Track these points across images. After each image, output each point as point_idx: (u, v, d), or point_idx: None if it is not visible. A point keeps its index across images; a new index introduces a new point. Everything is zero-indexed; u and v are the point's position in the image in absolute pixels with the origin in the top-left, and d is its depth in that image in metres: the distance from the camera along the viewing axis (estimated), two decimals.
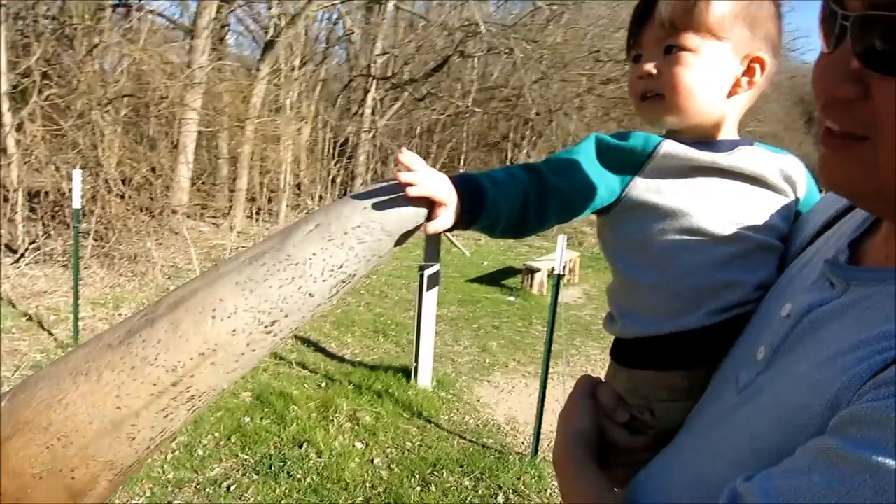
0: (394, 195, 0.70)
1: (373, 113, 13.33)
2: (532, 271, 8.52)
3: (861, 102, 0.52)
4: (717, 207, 0.83)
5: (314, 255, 0.59)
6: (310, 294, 0.59)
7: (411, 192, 0.71)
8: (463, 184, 0.80)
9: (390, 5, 13.08)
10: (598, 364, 6.05)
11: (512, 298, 8.17)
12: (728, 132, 0.88)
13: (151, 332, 0.54)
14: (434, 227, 0.75)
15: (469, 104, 14.43)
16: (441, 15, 14.65)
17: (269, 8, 11.27)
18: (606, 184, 0.87)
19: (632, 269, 0.89)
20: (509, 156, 16.88)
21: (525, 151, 17.33)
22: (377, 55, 13.21)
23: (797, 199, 0.89)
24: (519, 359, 6.00)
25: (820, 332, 0.60)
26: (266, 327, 0.57)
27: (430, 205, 0.75)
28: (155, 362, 0.53)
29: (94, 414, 0.53)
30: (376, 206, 0.69)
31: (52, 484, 0.52)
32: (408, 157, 0.73)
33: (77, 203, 4.80)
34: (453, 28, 13.56)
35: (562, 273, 4.09)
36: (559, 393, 5.00)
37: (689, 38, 0.82)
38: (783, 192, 0.87)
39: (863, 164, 0.53)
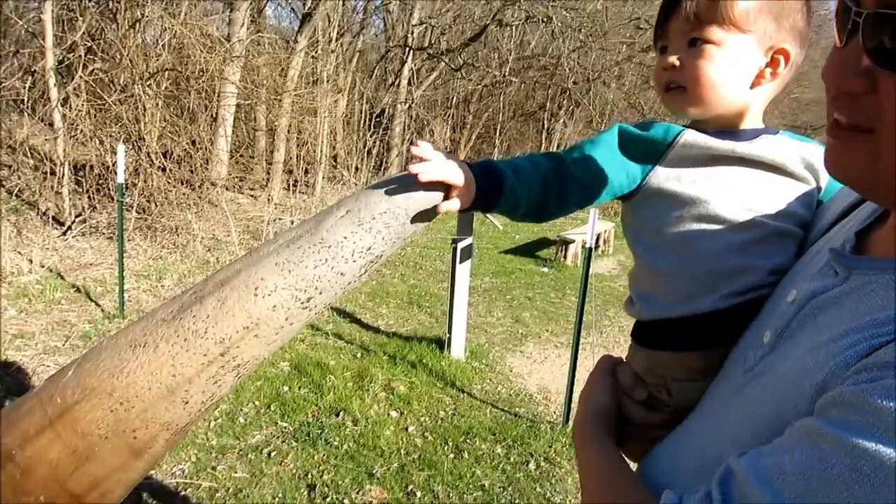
0: (416, 183, 0.75)
1: (409, 84, 13.29)
2: (566, 242, 8.50)
3: (868, 96, 0.54)
4: (735, 195, 0.86)
5: (345, 238, 0.64)
6: (341, 273, 0.64)
7: (422, 177, 0.75)
8: (480, 169, 0.85)
9: None
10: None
11: (546, 270, 8.17)
12: (752, 122, 0.90)
13: (201, 308, 0.60)
14: (445, 206, 0.80)
15: (506, 74, 14.28)
16: None
17: None
18: (627, 172, 0.90)
19: (650, 254, 0.93)
20: (546, 125, 16.68)
21: (562, 121, 17.11)
22: (414, 25, 13.12)
23: (819, 188, 0.90)
24: (552, 329, 6.03)
25: (819, 318, 0.62)
26: (303, 303, 0.63)
27: (447, 188, 0.79)
28: (205, 335, 0.59)
29: (152, 381, 0.59)
30: (401, 193, 0.74)
31: (116, 443, 0.58)
32: (420, 148, 0.78)
33: (121, 178, 4.94)
34: None
35: (593, 245, 4.08)
36: (591, 363, 5.02)
37: (714, 31, 0.84)
38: (804, 180, 0.89)
39: (866, 155, 0.55)
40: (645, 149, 0.90)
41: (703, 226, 0.86)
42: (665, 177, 0.89)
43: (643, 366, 0.96)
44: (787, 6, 0.84)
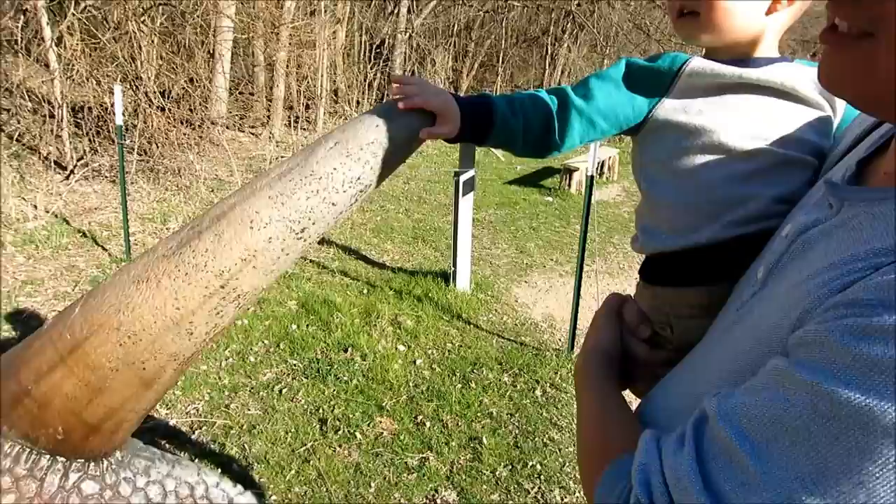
0: (403, 112, 0.77)
1: (409, 12, 12.92)
2: (570, 171, 8.44)
3: None
4: (742, 123, 0.84)
5: (335, 169, 0.67)
6: (333, 203, 0.67)
7: (401, 104, 0.77)
8: (469, 100, 0.86)
9: None
10: (636, 260, 6.08)
11: (550, 199, 8.15)
12: (766, 50, 0.87)
13: (199, 242, 0.62)
14: (426, 132, 0.80)
15: None
16: None
17: None
18: (633, 104, 0.89)
19: (655, 187, 0.92)
20: (549, 51, 16.27)
21: (566, 46, 16.67)
22: None
23: (835, 114, 0.88)
24: (556, 258, 6.07)
25: (809, 253, 0.60)
26: (297, 234, 0.65)
27: (431, 117, 0.81)
28: (205, 268, 0.62)
29: (157, 314, 0.62)
30: (387, 123, 0.74)
31: (126, 375, 0.62)
32: (403, 79, 0.80)
33: (119, 120, 4.89)
34: None
35: (596, 173, 4.07)
36: (595, 290, 5.08)
37: None
38: (818, 106, 0.86)
39: (864, 61, 0.52)
40: (651, 80, 0.88)
41: (708, 156, 0.85)
42: (671, 108, 0.88)
43: (648, 303, 0.96)
44: None
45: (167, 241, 0.65)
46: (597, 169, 9.04)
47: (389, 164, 0.72)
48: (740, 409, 0.50)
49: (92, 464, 0.68)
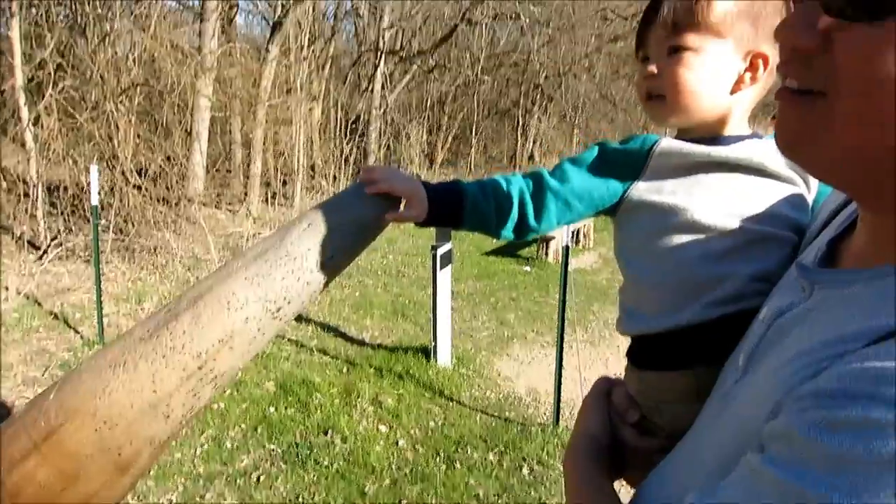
0: (371, 194, 0.81)
1: (383, 88, 13.27)
2: (546, 240, 8.53)
3: (823, 56, 0.49)
4: (715, 201, 0.85)
5: (309, 249, 0.69)
6: (307, 283, 0.69)
7: (369, 189, 0.81)
8: (439, 185, 0.89)
9: None
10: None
11: (528, 269, 8.20)
12: (735, 128, 0.89)
13: (177, 324, 0.63)
14: (392, 216, 0.83)
15: (478, 73, 14.30)
16: None
17: None
18: (608, 186, 0.90)
19: (634, 266, 0.92)
20: (521, 122, 16.73)
21: (537, 117, 17.17)
22: (385, 28, 13.10)
23: (809, 189, 0.88)
24: (537, 329, 6.06)
25: (784, 339, 0.58)
26: (273, 314, 0.67)
27: (398, 200, 0.84)
28: (182, 350, 0.62)
29: (134, 398, 0.62)
30: (357, 205, 0.78)
31: (102, 461, 0.60)
32: (369, 166, 0.86)
33: (95, 200, 4.87)
34: None
35: (570, 244, 4.11)
36: (577, 361, 5.05)
37: (691, 38, 0.84)
38: (790, 181, 0.87)
39: (817, 121, 0.50)
40: (624, 162, 0.90)
41: (684, 235, 0.85)
42: (645, 189, 0.88)
43: (636, 387, 0.94)
44: (765, 10, 0.83)
45: (143, 324, 0.67)
46: (572, 237, 9.18)
47: (360, 243, 0.77)
48: None
49: None
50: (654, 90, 0.88)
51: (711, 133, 0.88)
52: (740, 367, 0.65)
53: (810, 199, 0.89)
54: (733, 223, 0.84)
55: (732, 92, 0.85)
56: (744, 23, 0.83)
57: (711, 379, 0.78)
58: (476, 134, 16.29)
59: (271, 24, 10.65)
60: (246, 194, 9.86)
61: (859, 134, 0.47)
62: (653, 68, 0.87)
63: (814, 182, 0.88)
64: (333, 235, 0.71)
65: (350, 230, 0.74)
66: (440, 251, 4.73)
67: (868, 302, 0.49)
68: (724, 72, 0.84)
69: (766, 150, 0.86)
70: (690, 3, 0.83)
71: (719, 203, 0.85)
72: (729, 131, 0.88)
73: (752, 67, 0.84)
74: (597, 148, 0.92)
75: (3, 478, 0.58)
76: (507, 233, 0.94)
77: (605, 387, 0.98)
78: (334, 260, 0.71)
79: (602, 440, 0.90)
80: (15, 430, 0.62)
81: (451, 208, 0.89)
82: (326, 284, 0.72)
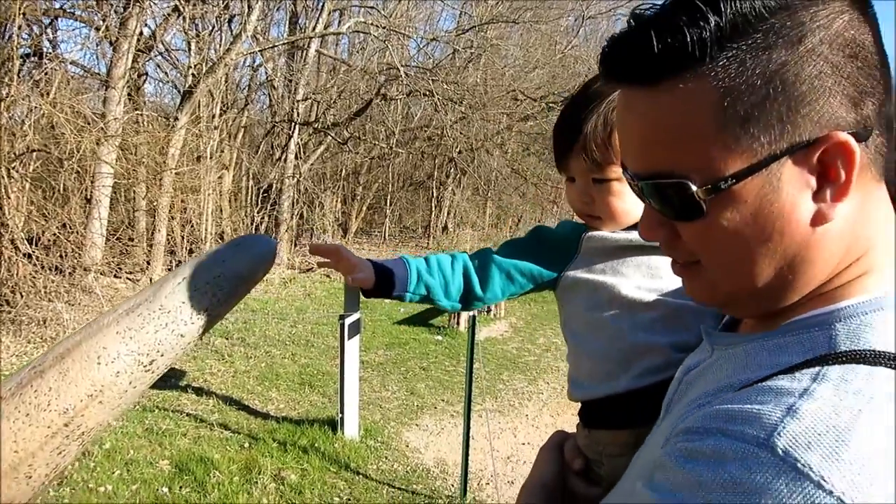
0: (246, 247, 0.81)
1: (296, 158, 13.27)
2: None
3: (678, 240, 0.63)
4: (639, 278, 0.98)
5: (183, 303, 0.68)
6: (181, 335, 0.68)
7: (319, 262, 0.97)
8: (384, 261, 1.02)
9: (312, 51, 13.15)
10: (525, 397, 6.14)
11: (440, 338, 8.20)
12: None
13: (42, 381, 0.60)
14: (350, 278, 0.98)
15: (393, 146, 14.57)
16: (362, 60, 14.82)
17: (189, 57, 11.13)
18: (546, 264, 1.05)
19: (574, 337, 1.05)
20: (435, 194, 17.05)
21: (451, 189, 17.55)
22: (299, 100, 13.21)
23: None
24: (447, 398, 6.02)
25: (689, 391, 0.68)
26: (145, 367, 0.65)
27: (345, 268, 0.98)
28: (48, 407, 0.59)
29: None
30: (231, 258, 0.80)
31: None
32: (317, 246, 1.01)
33: None
34: (374, 72, 13.72)
35: (475, 313, 4.17)
36: (486, 430, 5.04)
37: (613, 170, 0.98)
38: None
39: (705, 282, 0.64)
40: (558, 245, 1.05)
41: (615, 309, 0.98)
42: (578, 268, 1.03)
43: (584, 442, 1.05)
44: None
45: (6, 383, 0.63)
46: (482, 311, 9.29)
47: (234, 296, 0.77)
48: None
49: None
50: (590, 212, 1.03)
51: (633, 222, 1.02)
52: (660, 418, 0.76)
53: None
54: (654, 297, 0.97)
55: None
56: None
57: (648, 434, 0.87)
58: (391, 204, 16.46)
59: (181, 92, 10.55)
60: (149, 263, 9.50)
61: (730, 281, 0.62)
62: (585, 199, 1.02)
63: None
64: (208, 289, 0.71)
65: (224, 283, 0.74)
66: (348, 321, 4.68)
67: (742, 360, 0.62)
68: None
69: None
70: (604, 145, 0.97)
71: (641, 279, 0.98)
72: None
73: None
74: (535, 231, 1.08)
75: None
76: (454, 303, 1.06)
77: (558, 439, 1.10)
78: (209, 312, 0.72)
79: (552, 487, 1.01)
80: None
81: (396, 277, 1.01)
82: (201, 336, 0.73)
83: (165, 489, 3.91)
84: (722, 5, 0.53)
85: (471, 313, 4.15)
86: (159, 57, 11.96)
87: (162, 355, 0.68)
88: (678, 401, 0.70)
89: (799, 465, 0.45)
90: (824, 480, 0.44)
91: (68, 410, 0.62)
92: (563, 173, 1.05)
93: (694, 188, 0.57)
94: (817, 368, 0.52)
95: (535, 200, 18.91)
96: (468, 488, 4.08)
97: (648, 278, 0.98)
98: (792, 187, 0.55)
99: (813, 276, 0.59)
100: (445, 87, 13.15)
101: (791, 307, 0.61)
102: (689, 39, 0.54)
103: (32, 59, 8.96)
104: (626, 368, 0.96)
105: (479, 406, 5.64)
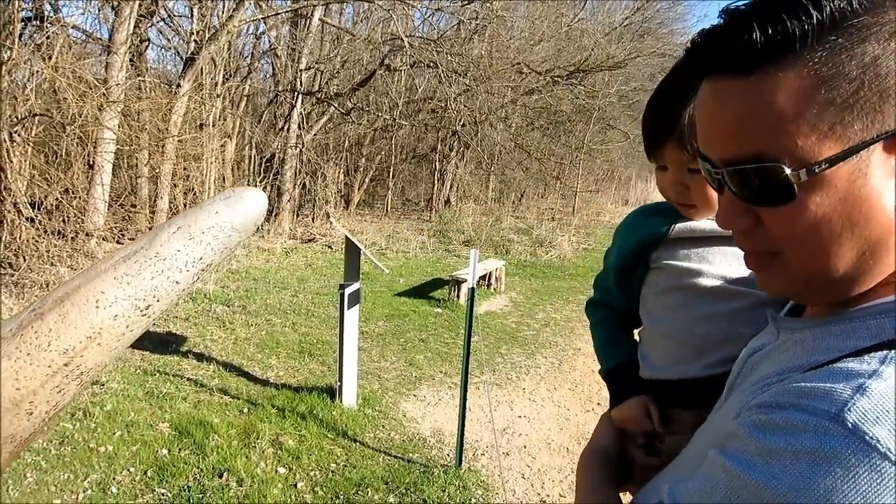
0: (238, 200, 0.84)
1: (299, 128, 13.22)
2: (458, 282, 8.63)
3: (758, 229, 0.65)
4: (723, 267, 1.00)
5: (178, 251, 0.72)
6: (177, 282, 0.72)
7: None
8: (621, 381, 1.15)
9: (315, 20, 13.02)
10: (523, 371, 6.18)
11: (439, 310, 8.25)
12: None
13: (42, 323, 0.64)
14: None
15: (396, 118, 14.50)
16: (366, 29, 14.68)
17: (192, 23, 11.04)
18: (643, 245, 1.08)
19: (651, 316, 1.08)
20: (438, 167, 17.00)
21: (454, 162, 17.49)
22: (302, 69, 13.12)
23: None
24: (446, 370, 6.07)
25: (754, 372, 0.73)
26: (142, 311, 0.69)
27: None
28: (48, 348, 0.63)
29: None
30: (224, 210, 0.81)
31: None
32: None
33: None
34: (378, 42, 13.60)
35: (475, 285, 4.18)
36: (484, 402, 5.09)
37: None
38: None
39: (782, 273, 0.67)
40: (649, 233, 1.07)
41: (696, 295, 1.00)
42: (663, 252, 1.05)
43: (647, 415, 1.08)
44: None
45: (6, 324, 0.67)
46: (485, 280, 9.32)
47: (228, 244, 0.80)
48: (683, 492, 0.62)
49: None
50: (684, 201, 1.03)
51: None
52: (723, 397, 0.81)
53: None
54: (738, 287, 0.98)
55: None
56: None
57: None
58: (393, 176, 16.41)
59: (184, 59, 10.48)
60: (151, 229, 9.51)
61: (811, 268, 0.64)
62: (681, 188, 1.01)
63: None
64: (204, 237, 0.74)
65: (218, 233, 0.77)
66: (348, 290, 4.70)
67: (810, 344, 0.66)
68: None
69: None
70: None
71: (726, 269, 1.00)
72: None
73: None
74: (627, 221, 1.14)
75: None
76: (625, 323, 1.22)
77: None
78: (204, 260, 0.75)
79: (612, 453, 1.06)
80: None
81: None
82: (195, 283, 0.76)
83: (165, 451, 3.97)
84: (823, 1, 0.57)
85: (469, 286, 4.16)
86: (161, 23, 11.89)
87: (158, 301, 0.71)
88: (742, 381, 0.75)
89: (867, 437, 0.49)
90: (891, 452, 0.48)
91: (68, 351, 0.66)
92: (654, 161, 1.05)
93: (787, 171, 0.59)
94: (885, 352, 0.56)
95: (539, 176, 18.86)
96: (463, 458, 4.14)
97: (735, 267, 0.99)
98: (880, 174, 0.59)
99: (890, 263, 0.62)
100: (450, 58, 13.05)
101: (860, 295, 0.64)
102: (791, 30, 0.58)
103: (34, 22, 8.90)
104: (700, 355, 0.98)
105: (476, 378, 5.69)
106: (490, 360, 6.36)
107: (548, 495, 3.97)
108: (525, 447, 4.56)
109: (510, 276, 10.10)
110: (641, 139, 1.06)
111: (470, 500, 3.83)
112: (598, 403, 5.36)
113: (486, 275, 9.42)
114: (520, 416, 5.14)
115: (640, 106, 18.92)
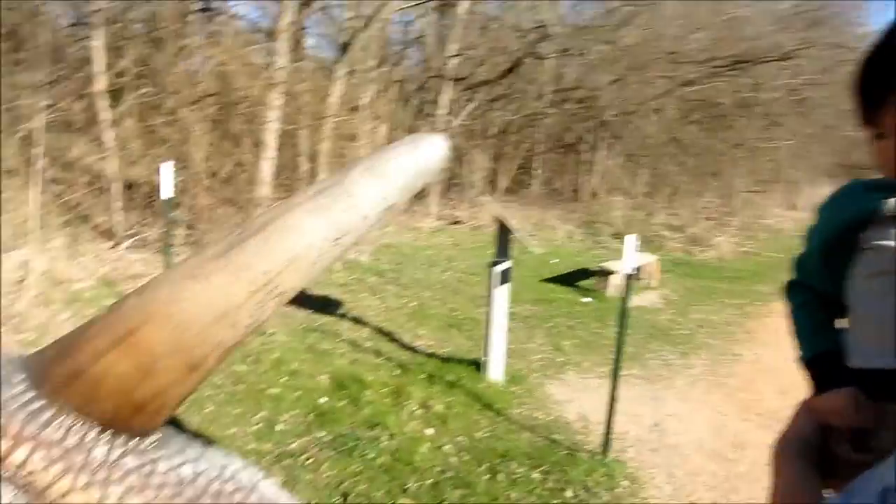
0: (421, 144, 0.84)
1: (448, 113, 13.44)
2: (606, 273, 8.39)
3: None
4: None
5: (366, 189, 0.73)
6: (365, 216, 0.73)
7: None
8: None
9: (462, 7, 13.15)
10: (675, 370, 5.88)
11: (587, 300, 8.06)
12: None
13: (246, 245, 0.68)
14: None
15: (543, 106, 14.35)
16: (514, 17, 14.62)
17: (345, 12, 11.53)
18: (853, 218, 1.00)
19: (858, 298, 1.00)
20: (585, 158, 16.66)
21: (602, 153, 17.08)
22: (450, 57, 13.32)
23: None
24: (593, 359, 5.89)
25: None
26: (333, 242, 0.71)
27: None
28: (251, 268, 0.66)
29: (207, 307, 0.66)
30: (407, 154, 0.80)
31: (175, 360, 0.64)
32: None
33: (166, 194, 5.06)
34: (526, 30, 13.50)
35: (632, 274, 3.98)
36: (634, 395, 4.90)
37: None
38: None
39: None
40: (860, 207, 0.99)
41: None
42: (878, 232, 0.96)
43: (858, 409, 1.00)
44: None
45: (214, 245, 0.71)
46: (635, 273, 8.98)
47: (411, 187, 0.81)
48: None
49: (134, 441, 0.72)
50: None
51: None
52: None
53: None
54: None
55: None
56: None
57: None
58: (539, 165, 16.28)
59: (339, 45, 10.96)
60: None
61: None
62: None
63: None
64: (391, 177, 0.77)
65: (407, 172, 0.79)
66: (499, 268, 4.69)
67: None
68: None
69: None
70: None
71: None
72: None
73: None
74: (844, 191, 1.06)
75: (87, 367, 0.62)
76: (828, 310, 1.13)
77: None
78: (389, 199, 0.77)
79: (813, 443, 1.00)
80: (98, 329, 0.67)
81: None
82: (381, 221, 0.78)
83: (324, 399, 4.18)
84: None
85: (626, 273, 3.98)
86: (318, 13, 12.51)
87: (347, 234, 0.74)
88: None
89: None
90: None
91: (268, 272, 0.69)
92: (869, 128, 0.89)
93: None
94: None
95: (694, 172, 17.94)
96: (610, 447, 3.99)
97: None
98: None
99: None
100: (599, 47, 12.71)
101: None
102: None
103: (206, 13, 9.69)
104: None
105: (625, 371, 5.49)
106: (639, 355, 6.11)
107: (699, 498, 3.73)
108: (676, 447, 4.33)
109: (665, 272, 9.67)
110: (851, 104, 0.90)
111: (615, 488, 3.69)
112: (758, 413, 4.98)
113: (638, 267, 9.07)
114: (670, 415, 4.89)
115: (811, 102, 17.51)
